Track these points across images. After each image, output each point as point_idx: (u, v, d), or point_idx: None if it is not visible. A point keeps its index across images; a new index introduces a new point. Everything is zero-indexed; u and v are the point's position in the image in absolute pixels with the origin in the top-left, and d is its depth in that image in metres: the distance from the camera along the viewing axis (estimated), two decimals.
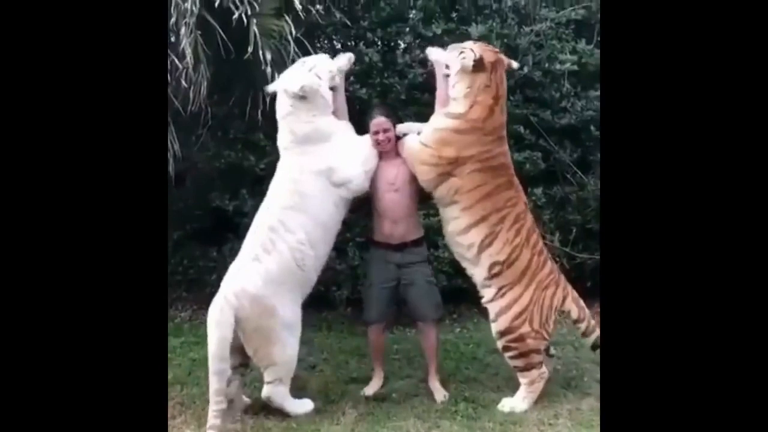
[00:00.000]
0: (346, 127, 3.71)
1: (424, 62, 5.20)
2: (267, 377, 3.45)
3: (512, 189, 3.61)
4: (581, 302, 3.72)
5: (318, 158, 3.53)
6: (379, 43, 5.22)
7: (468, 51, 3.45)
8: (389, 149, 3.66)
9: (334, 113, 3.66)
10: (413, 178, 3.61)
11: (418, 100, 4.93)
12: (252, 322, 3.34)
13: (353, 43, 5.28)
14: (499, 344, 3.59)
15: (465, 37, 5.01)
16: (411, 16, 5.16)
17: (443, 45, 3.87)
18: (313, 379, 3.98)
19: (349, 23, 5.11)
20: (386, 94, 5.04)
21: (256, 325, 3.35)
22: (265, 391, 3.45)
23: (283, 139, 3.61)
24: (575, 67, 5.24)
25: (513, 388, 3.70)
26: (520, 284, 3.54)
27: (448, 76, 3.55)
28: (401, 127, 3.70)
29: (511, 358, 3.58)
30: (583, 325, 3.69)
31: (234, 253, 3.64)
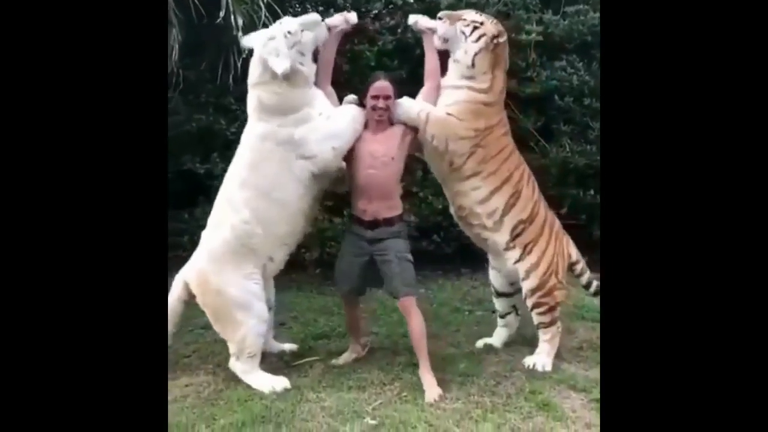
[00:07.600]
0: (322, 97, 3.40)
1: (394, 29, 5.30)
2: (230, 349, 3.42)
3: (515, 148, 3.69)
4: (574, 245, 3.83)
5: (282, 129, 3.28)
6: (350, 9, 5.28)
7: (484, 26, 3.42)
8: (383, 119, 3.40)
9: (315, 81, 3.41)
10: (399, 157, 3.41)
11: (389, 67, 5.02)
12: (200, 297, 3.36)
13: (324, 8, 5.34)
14: (530, 302, 3.63)
15: (435, 5, 5.12)
16: None
17: (414, 12, 3.82)
18: (282, 335, 4.11)
19: None
20: (356, 60, 5.13)
21: (203, 301, 3.37)
22: (230, 363, 3.44)
23: (250, 105, 3.38)
24: (540, 38, 5.37)
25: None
26: (543, 238, 3.60)
27: (447, 43, 3.48)
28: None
29: (540, 314, 3.63)
30: (579, 267, 3.80)
31: (205, 215, 3.62)
